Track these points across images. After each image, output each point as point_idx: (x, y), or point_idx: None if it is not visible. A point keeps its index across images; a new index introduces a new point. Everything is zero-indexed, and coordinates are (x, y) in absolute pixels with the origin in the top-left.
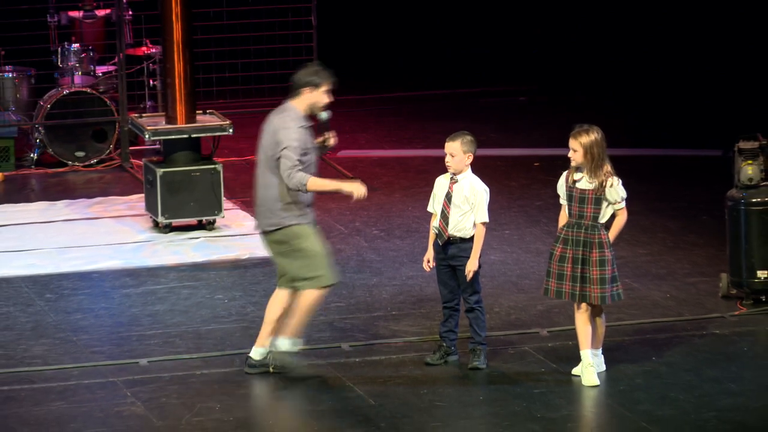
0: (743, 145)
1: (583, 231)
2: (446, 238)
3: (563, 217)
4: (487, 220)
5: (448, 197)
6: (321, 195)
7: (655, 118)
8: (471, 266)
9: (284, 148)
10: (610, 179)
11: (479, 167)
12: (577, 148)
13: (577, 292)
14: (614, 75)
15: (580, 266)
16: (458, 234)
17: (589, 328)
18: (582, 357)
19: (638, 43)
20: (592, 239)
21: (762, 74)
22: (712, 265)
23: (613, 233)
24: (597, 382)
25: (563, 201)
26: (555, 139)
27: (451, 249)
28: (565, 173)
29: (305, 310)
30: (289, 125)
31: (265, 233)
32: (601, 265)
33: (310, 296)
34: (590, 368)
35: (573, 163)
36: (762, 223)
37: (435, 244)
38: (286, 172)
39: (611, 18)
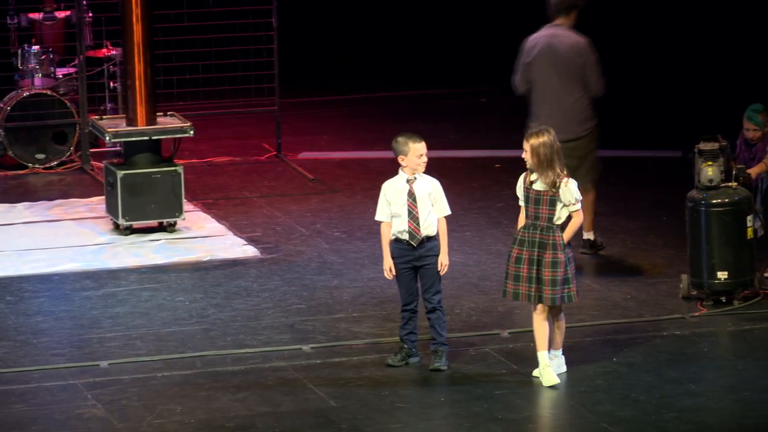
0: (703, 146)
1: (538, 232)
2: (420, 239)
3: (522, 219)
4: (450, 212)
5: (413, 197)
6: None
7: (616, 120)
8: (445, 260)
9: (593, 59)
10: (563, 180)
11: (439, 168)
12: (526, 148)
13: (533, 293)
14: None
15: (535, 267)
16: (426, 232)
17: (547, 329)
18: (539, 359)
19: (597, 45)
20: (547, 240)
21: (721, 75)
22: (672, 266)
23: (567, 234)
24: (556, 380)
25: (522, 203)
26: (516, 140)
27: (419, 249)
28: (523, 175)
29: (591, 206)
30: (583, 39)
31: (576, 139)
32: (553, 266)
33: (591, 192)
34: (548, 368)
35: (528, 164)
36: (722, 224)
37: (394, 249)
38: (600, 79)
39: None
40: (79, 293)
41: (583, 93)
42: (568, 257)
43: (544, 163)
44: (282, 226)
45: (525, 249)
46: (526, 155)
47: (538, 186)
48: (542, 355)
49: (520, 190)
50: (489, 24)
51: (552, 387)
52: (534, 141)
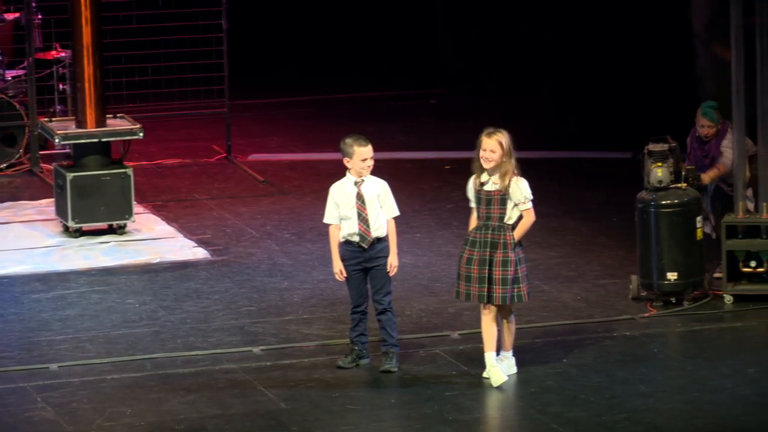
0: (653, 147)
1: (490, 232)
2: (371, 241)
3: (474, 221)
4: (398, 213)
5: (361, 200)
6: None
7: (566, 120)
8: (395, 261)
9: None
10: (514, 179)
11: (390, 170)
12: (495, 148)
13: (484, 293)
14: (524, 77)
15: (486, 267)
16: (377, 234)
17: (494, 330)
18: (486, 359)
19: (547, 45)
20: (498, 240)
21: (670, 76)
22: (622, 267)
23: (517, 232)
24: (504, 378)
25: (473, 204)
26: (465, 141)
27: (370, 251)
28: (472, 177)
29: None
30: None
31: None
32: (503, 265)
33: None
34: (494, 368)
35: (490, 164)
36: (672, 225)
37: (345, 251)
38: None
39: (522, 18)
40: (29, 296)
41: None
42: (518, 257)
43: (509, 154)
44: (232, 228)
45: (476, 250)
46: (496, 154)
47: (490, 186)
48: (489, 356)
49: (470, 192)
50: (451, 25)
51: (500, 386)
52: (503, 138)
